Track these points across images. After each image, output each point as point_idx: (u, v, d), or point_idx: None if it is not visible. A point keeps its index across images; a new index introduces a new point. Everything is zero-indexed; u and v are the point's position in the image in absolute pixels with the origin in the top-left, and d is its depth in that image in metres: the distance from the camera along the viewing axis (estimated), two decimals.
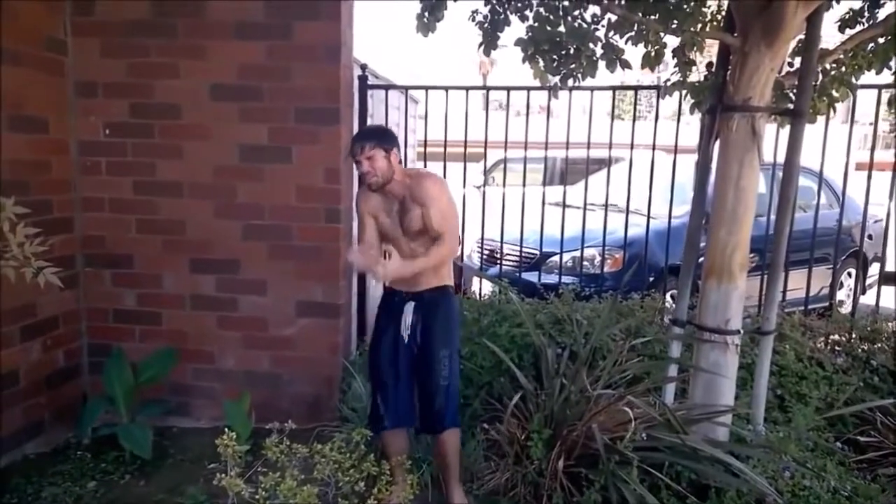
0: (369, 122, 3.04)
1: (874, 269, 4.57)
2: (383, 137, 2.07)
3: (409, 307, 2.13)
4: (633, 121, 2.91)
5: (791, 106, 2.15)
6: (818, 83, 2.28)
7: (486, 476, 2.31)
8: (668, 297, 3.32)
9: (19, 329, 2.51)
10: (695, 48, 2.03)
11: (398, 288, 2.17)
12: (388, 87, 3.11)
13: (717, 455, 2.04)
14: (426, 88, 2.98)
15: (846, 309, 4.07)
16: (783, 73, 2.17)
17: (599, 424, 2.10)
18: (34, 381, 2.59)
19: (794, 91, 2.15)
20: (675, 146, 2.85)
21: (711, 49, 2.27)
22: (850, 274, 4.69)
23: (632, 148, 2.87)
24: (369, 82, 3.01)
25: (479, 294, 3.38)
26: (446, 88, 2.93)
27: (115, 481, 2.41)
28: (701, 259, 2.34)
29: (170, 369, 2.72)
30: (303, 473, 1.73)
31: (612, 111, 2.82)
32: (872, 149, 3.00)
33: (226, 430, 1.81)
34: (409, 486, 1.85)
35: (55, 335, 2.70)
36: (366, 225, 2.18)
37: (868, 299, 3.71)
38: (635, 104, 2.77)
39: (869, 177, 2.94)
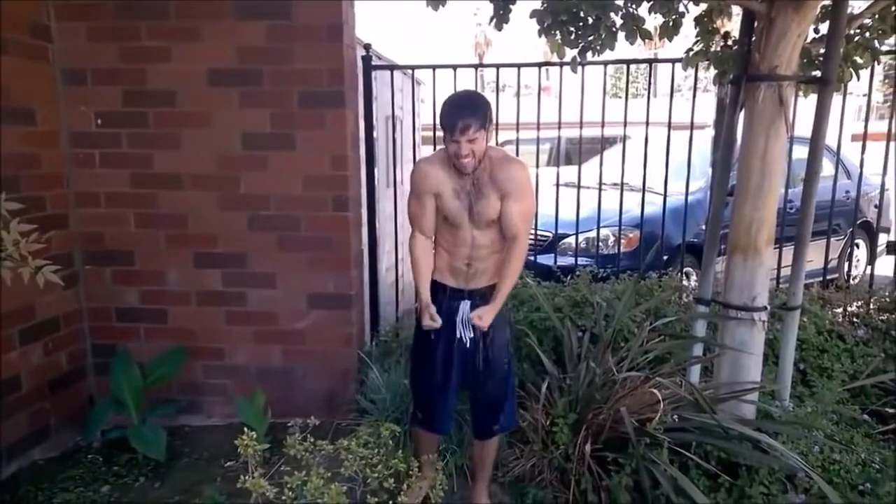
0: (374, 105, 2.93)
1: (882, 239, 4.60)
2: (488, 112, 1.69)
3: (465, 305, 1.89)
4: (648, 96, 2.83)
5: (818, 73, 2.09)
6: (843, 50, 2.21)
7: (511, 462, 2.29)
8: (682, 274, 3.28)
9: (18, 332, 2.41)
10: (722, 15, 1.94)
11: (450, 283, 1.91)
12: (393, 68, 3.00)
13: (746, 433, 2.02)
14: (433, 67, 2.88)
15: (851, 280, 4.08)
16: (808, 40, 2.10)
17: (626, 407, 2.07)
18: (37, 385, 2.50)
19: (820, 58, 2.09)
20: (692, 123, 2.79)
21: (735, 18, 2.18)
22: (857, 245, 4.70)
23: (647, 125, 2.79)
24: (373, 63, 2.89)
25: None
26: (454, 67, 2.83)
27: (129, 484, 2.36)
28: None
29: (179, 368, 2.64)
30: (327, 470, 1.67)
31: (627, 86, 2.74)
32: (867, 119, 2.97)
33: (244, 428, 1.74)
34: (439, 484, 1.80)
35: (56, 337, 2.61)
36: (426, 207, 1.82)
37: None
38: (650, 78, 2.69)
39: (863, 149, 2.94)
